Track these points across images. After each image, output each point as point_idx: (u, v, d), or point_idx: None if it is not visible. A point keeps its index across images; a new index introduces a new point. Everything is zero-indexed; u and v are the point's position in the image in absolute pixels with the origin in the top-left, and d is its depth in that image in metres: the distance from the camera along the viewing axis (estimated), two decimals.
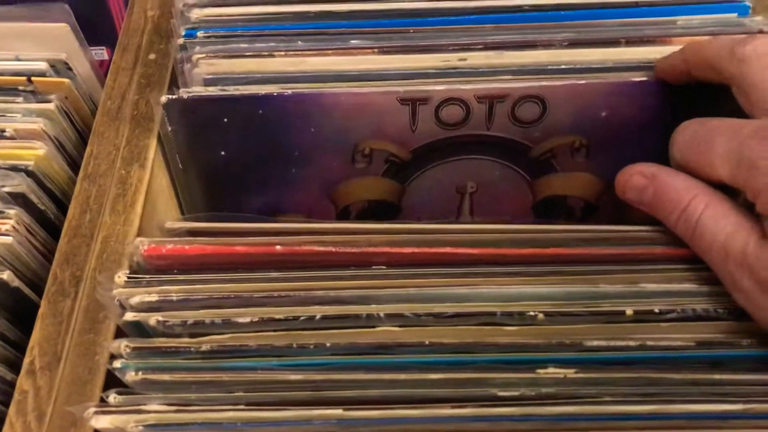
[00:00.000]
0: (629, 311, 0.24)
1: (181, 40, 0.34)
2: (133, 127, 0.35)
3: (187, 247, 0.24)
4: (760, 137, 0.24)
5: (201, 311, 0.24)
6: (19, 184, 0.34)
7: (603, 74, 0.32)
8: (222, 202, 0.34)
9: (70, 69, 0.39)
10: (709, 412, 0.23)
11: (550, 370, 0.23)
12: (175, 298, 0.24)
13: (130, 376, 0.23)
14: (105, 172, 0.33)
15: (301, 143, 0.32)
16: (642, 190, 0.27)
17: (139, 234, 0.31)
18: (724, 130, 0.25)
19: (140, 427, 0.23)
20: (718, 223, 0.25)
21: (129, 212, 0.32)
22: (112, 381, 0.26)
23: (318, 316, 0.24)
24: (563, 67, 0.32)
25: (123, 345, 0.24)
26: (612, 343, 0.24)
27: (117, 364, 0.24)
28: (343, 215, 0.35)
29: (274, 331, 0.24)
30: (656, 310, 0.24)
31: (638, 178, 0.27)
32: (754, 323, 0.24)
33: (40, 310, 0.29)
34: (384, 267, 0.25)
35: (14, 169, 0.34)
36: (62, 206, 0.36)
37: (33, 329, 0.28)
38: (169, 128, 0.32)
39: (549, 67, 0.32)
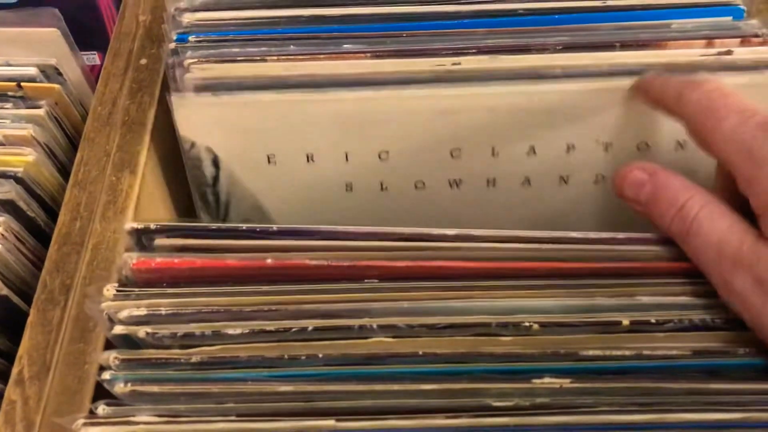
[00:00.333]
0: (625, 321, 0.24)
1: (172, 45, 0.33)
2: (124, 133, 0.34)
3: (176, 260, 0.24)
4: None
5: (191, 324, 0.23)
6: (8, 191, 0.33)
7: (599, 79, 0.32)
8: None
9: (60, 74, 0.38)
10: (707, 421, 0.23)
11: (546, 380, 0.23)
12: (164, 312, 0.24)
13: (119, 388, 0.23)
14: (95, 179, 0.33)
15: None
16: (641, 186, 0.27)
17: None
18: (736, 109, 0.26)
19: None
20: (714, 223, 0.25)
21: (120, 219, 0.32)
22: (102, 391, 0.25)
23: (310, 328, 0.23)
24: (558, 71, 0.32)
25: (112, 357, 0.24)
26: (608, 353, 0.24)
27: (106, 375, 0.24)
28: None
29: (265, 342, 0.23)
30: (653, 321, 0.24)
31: (639, 173, 0.27)
32: (751, 332, 0.24)
33: (29, 319, 0.29)
34: (377, 280, 0.24)
35: (3, 175, 0.34)
36: (52, 213, 0.36)
37: (22, 338, 0.28)
38: None
39: (543, 72, 0.32)
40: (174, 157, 0.35)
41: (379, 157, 0.34)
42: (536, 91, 0.32)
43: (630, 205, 0.28)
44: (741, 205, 0.25)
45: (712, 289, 0.25)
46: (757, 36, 0.33)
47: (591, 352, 0.24)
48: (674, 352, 0.24)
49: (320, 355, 0.23)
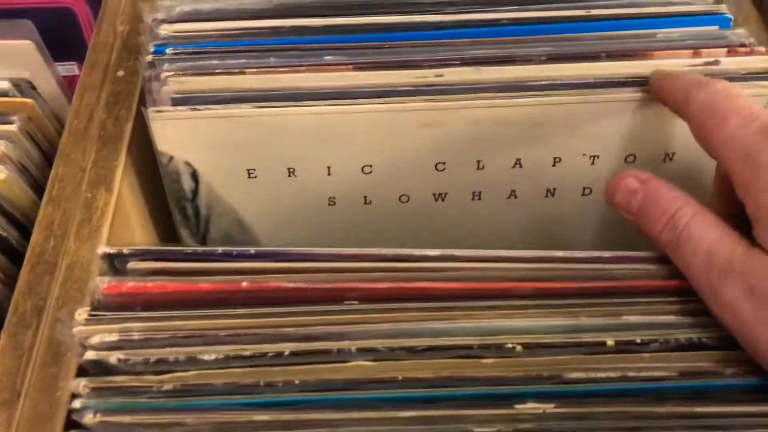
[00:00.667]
0: (610, 342, 0.23)
1: (149, 57, 0.33)
2: (100, 148, 0.34)
3: (149, 284, 0.23)
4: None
5: (165, 350, 0.23)
6: None
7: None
8: None
9: (34, 88, 0.37)
10: None
11: (529, 405, 0.22)
12: (137, 338, 0.23)
13: (89, 419, 0.22)
14: (70, 196, 0.32)
15: None
16: (633, 194, 0.27)
17: None
18: (738, 112, 0.25)
19: None
20: (704, 231, 0.25)
21: (95, 237, 0.31)
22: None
23: (287, 353, 0.23)
24: (543, 83, 0.32)
25: (82, 384, 0.23)
26: (592, 375, 0.23)
27: (76, 404, 0.23)
28: None
29: (241, 368, 0.23)
30: (638, 341, 0.23)
31: (631, 180, 0.27)
32: (738, 352, 0.23)
33: (0, 343, 0.28)
34: (357, 302, 0.24)
35: None
36: (25, 231, 0.35)
37: None
38: None
39: (528, 83, 0.32)
40: (152, 171, 0.34)
41: (363, 170, 0.34)
42: (521, 104, 0.31)
43: (620, 213, 0.28)
44: (738, 211, 0.25)
45: (699, 307, 0.24)
46: (744, 45, 0.32)
47: (575, 375, 0.23)
48: (660, 374, 0.23)
49: (297, 381, 0.22)
